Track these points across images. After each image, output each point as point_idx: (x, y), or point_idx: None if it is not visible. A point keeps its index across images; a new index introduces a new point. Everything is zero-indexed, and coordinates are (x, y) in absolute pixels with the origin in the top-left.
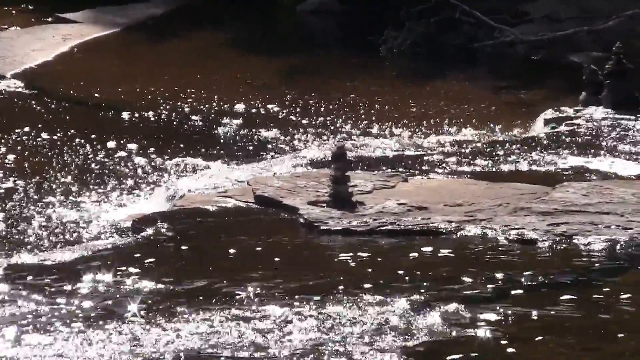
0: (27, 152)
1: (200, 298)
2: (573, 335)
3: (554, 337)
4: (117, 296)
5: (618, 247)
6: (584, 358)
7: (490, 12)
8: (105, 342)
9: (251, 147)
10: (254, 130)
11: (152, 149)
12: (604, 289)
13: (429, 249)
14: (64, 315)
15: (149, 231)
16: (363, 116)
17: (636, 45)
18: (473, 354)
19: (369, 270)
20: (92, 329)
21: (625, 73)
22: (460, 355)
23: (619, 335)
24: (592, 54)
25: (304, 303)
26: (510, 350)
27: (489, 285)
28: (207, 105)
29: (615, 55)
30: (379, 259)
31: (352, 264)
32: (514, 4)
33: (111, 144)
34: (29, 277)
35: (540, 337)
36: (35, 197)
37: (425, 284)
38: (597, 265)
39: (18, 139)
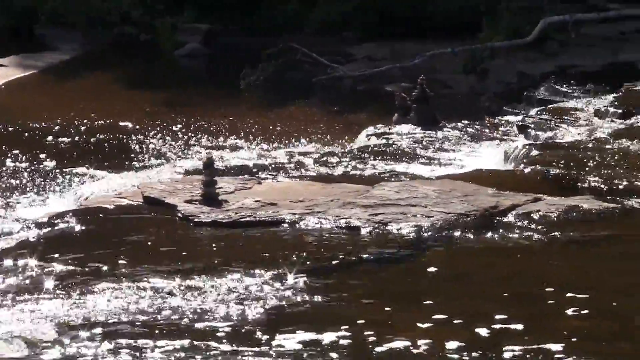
0: None
1: (105, 276)
2: (390, 300)
3: (375, 300)
4: (37, 276)
5: (422, 230)
6: (397, 316)
7: (324, 54)
8: (27, 313)
9: (140, 159)
10: (142, 146)
11: (63, 163)
12: (413, 264)
13: (279, 235)
14: None
15: (62, 225)
16: (231, 134)
17: (435, 77)
18: (313, 316)
19: (232, 252)
20: (16, 302)
21: (428, 98)
22: (302, 317)
23: (426, 299)
24: (402, 84)
25: (182, 278)
26: (344, 311)
27: (327, 262)
28: (105, 127)
29: (419, 85)
30: (239, 244)
31: (218, 248)
32: (343, 48)
33: (29, 159)
34: None
35: (365, 301)
36: None
37: (277, 262)
38: (407, 245)
39: None
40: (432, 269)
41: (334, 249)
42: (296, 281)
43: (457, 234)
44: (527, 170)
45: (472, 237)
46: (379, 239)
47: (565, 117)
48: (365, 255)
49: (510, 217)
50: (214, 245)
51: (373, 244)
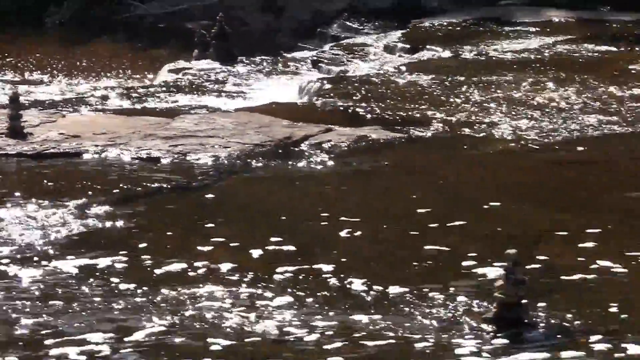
0: None
1: None
2: (176, 226)
3: (163, 226)
4: None
5: (220, 160)
6: (177, 241)
7: None
8: None
9: None
10: None
11: None
12: (207, 192)
13: (83, 166)
14: None
15: None
16: (36, 70)
17: (234, 15)
18: (102, 242)
19: (37, 183)
20: None
21: (226, 35)
22: (93, 244)
23: (209, 224)
24: (202, 22)
25: None
26: (131, 238)
27: (128, 192)
28: None
29: (218, 22)
30: (44, 175)
31: (23, 179)
32: None
33: None
34: None
35: (154, 227)
36: None
37: (81, 192)
38: (204, 174)
39: None
40: (223, 197)
41: (135, 179)
42: (97, 210)
43: (252, 163)
44: (319, 102)
45: (266, 166)
46: (178, 168)
47: (357, 52)
48: (164, 185)
49: (303, 147)
50: (19, 176)
51: (172, 173)
